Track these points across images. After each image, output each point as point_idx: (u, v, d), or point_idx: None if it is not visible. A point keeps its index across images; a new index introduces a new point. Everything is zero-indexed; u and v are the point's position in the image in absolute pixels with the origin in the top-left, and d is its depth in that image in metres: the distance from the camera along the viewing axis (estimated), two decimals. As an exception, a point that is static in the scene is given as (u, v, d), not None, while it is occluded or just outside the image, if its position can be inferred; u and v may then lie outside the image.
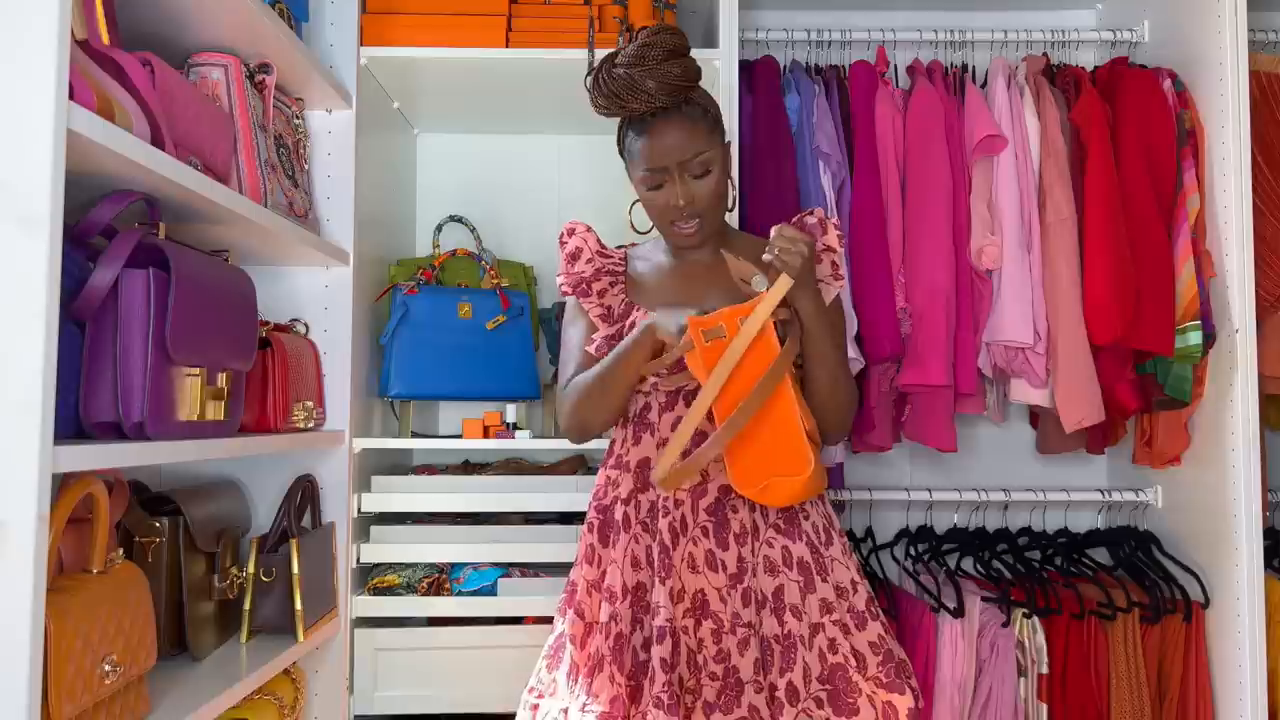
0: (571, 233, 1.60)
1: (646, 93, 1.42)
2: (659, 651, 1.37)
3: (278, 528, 1.74)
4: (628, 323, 1.52)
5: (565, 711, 1.40)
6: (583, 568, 1.51)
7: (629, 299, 1.55)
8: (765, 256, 1.39)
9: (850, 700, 1.38)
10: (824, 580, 1.44)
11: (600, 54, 1.90)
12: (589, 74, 1.48)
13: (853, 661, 1.40)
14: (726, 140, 1.52)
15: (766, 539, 1.45)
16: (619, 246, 1.65)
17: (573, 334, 1.57)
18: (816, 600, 1.43)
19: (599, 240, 1.60)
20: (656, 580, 1.42)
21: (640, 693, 1.38)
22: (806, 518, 1.48)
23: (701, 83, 1.51)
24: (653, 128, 1.44)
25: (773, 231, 1.40)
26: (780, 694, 1.38)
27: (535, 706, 1.46)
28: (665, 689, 1.34)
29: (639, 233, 1.57)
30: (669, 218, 1.48)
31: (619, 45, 1.91)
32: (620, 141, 1.52)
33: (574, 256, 1.58)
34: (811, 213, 1.56)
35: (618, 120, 1.52)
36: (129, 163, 1.14)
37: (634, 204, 1.56)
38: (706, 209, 1.48)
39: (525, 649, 1.86)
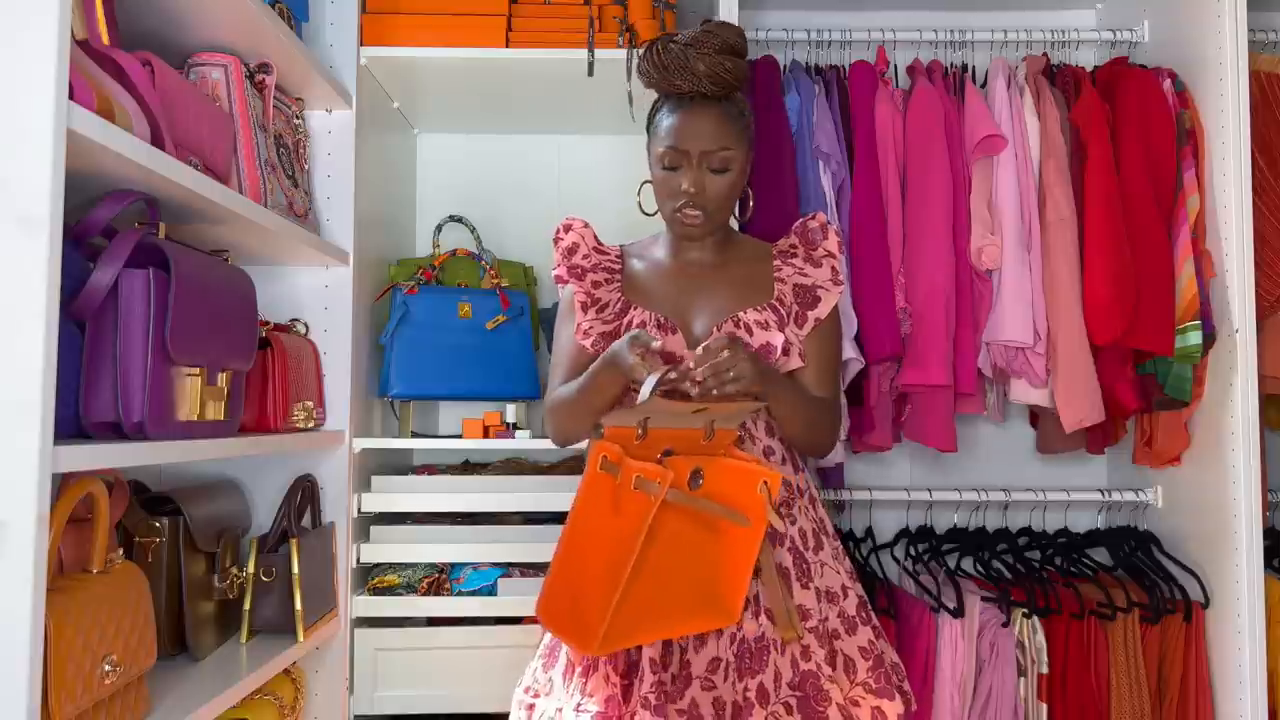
0: (568, 229, 1.60)
1: (694, 73, 1.43)
2: (649, 652, 1.36)
3: (278, 528, 1.74)
4: (624, 321, 1.52)
5: (561, 711, 1.40)
6: None
7: (625, 297, 1.55)
8: (696, 394, 1.33)
9: (819, 709, 1.36)
10: (806, 587, 1.43)
11: (600, 54, 1.91)
12: (644, 45, 1.49)
13: (826, 669, 1.39)
14: (751, 153, 1.52)
15: None
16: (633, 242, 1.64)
17: (564, 333, 1.57)
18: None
19: (596, 237, 1.60)
20: None
21: (632, 692, 1.38)
22: (793, 523, 1.46)
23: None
24: (688, 109, 1.45)
25: (692, 361, 1.33)
26: (751, 695, 1.37)
27: (531, 706, 1.45)
28: (653, 689, 1.33)
29: (646, 214, 1.56)
30: (676, 202, 1.48)
31: (619, 45, 1.93)
32: (651, 116, 1.52)
33: (570, 251, 1.58)
34: (814, 217, 1.57)
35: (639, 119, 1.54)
36: (129, 163, 1.14)
37: (644, 184, 1.55)
38: (714, 206, 1.47)
39: (525, 649, 1.86)
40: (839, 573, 1.47)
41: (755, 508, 1.27)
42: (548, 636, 1.51)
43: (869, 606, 1.49)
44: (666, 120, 1.47)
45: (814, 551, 1.47)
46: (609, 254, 1.60)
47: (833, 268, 1.54)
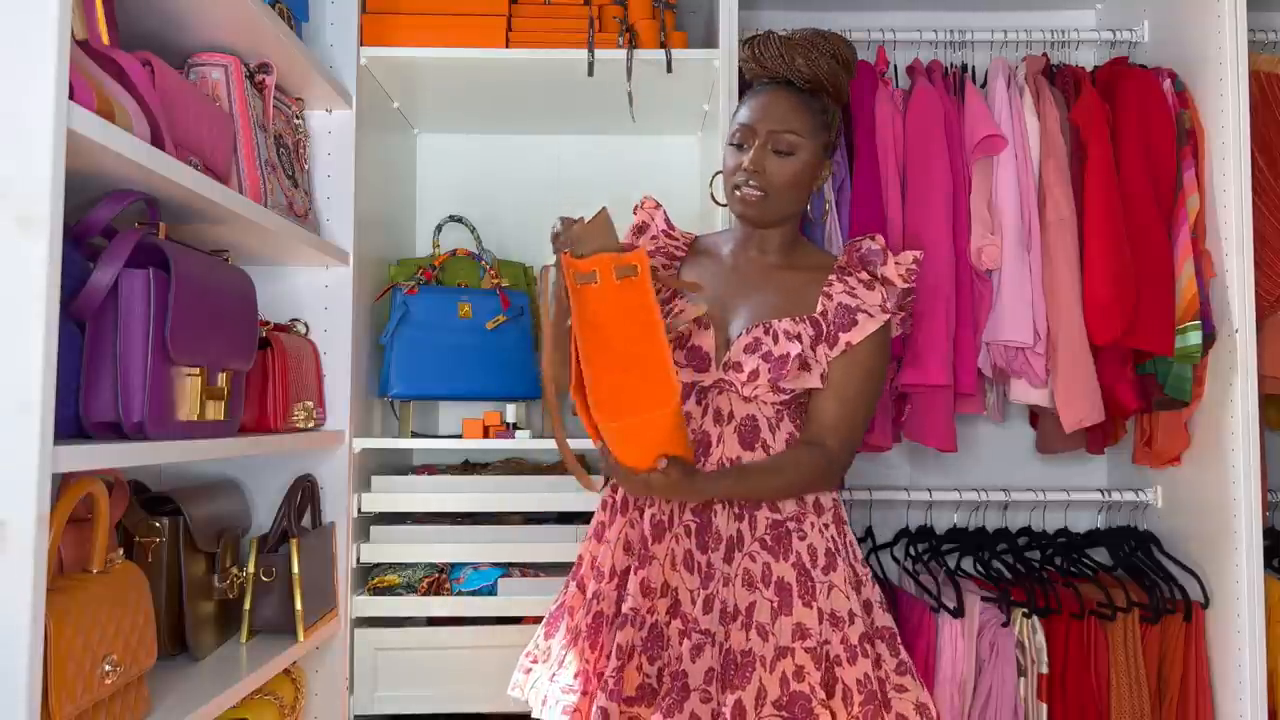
0: (641, 207, 1.62)
1: (789, 62, 1.45)
2: (619, 637, 1.38)
3: (278, 528, 1.74)
4: (667, 308, 1.51)
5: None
6: (592, 542, 1.53)
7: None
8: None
9: None
10: (807, 605, 1.40)
11: (600, 54, 1.92)
12: (748, 39, 1.53)
13: (820, 693, 1.36)
14: (828, 159, 1.52)
15: (750, 552, 1.42)
16: (720, 231, 1.64)
17: None
18: (790, 624, 1.39)
19: (667, 219, 1.61)
20: (633, 569, 1.43)
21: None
22: (802, 538, 1.44)
23: (701, 83, 1.51)
24: (768, 92, 1.47)
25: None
26: (726, 710, 1.34)
27: (528, 670, 1.52)
28: (615, 674, 1.35)
29: (718, 204, 1.58)
30: (735, 180, 1.48)
31: (619, 45, 1.93)
32: (736, 110, 1.54)
33: (640, 230, 1.60)
34: (873, 238, 1.54)
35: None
36: (129, 163, 1.14)
37: (716, 175, 1.57)
38: (774, 189, 1.46)
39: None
40: (848, 597, 1.43)
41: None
42: (553, 605, 1.54)
43: (883, 640, 1.45)
44: (745, 103, 1.49)
45: (823, 571, 1.43)
46: (677, 239, 1.60)
47: (884, 294, 1.49)
